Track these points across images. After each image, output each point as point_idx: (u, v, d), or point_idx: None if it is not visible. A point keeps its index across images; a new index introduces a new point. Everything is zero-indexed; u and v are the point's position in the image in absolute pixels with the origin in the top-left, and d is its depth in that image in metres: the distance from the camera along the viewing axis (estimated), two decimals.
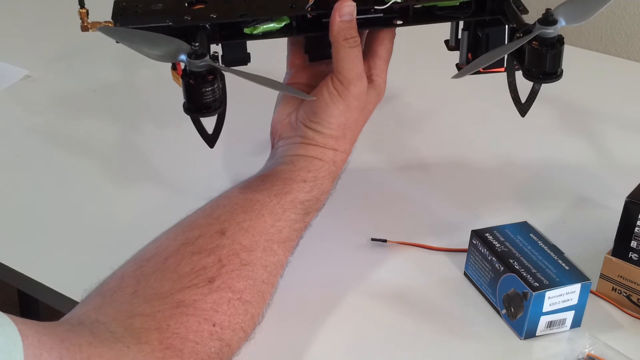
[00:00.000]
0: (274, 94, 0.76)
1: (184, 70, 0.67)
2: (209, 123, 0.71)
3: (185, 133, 0.99)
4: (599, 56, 1.21)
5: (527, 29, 0.69)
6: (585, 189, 0.91)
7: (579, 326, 0.73)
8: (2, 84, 1.09)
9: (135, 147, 0.98)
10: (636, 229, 0.72)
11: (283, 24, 0.74)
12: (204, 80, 0.66)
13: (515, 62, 0.72)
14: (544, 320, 0.71)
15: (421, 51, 1.07)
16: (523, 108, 0.74)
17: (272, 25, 0.74)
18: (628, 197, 0.72)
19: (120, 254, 0.66)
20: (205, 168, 0.92)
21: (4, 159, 0.96)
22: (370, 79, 0.75)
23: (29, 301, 1.47)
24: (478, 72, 0.75)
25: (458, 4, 0.75)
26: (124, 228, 0.84)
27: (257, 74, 0.66)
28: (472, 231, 0.77)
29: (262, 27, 0.74)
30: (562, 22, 0.68)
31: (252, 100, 0.98)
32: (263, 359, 0.70)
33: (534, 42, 0.69)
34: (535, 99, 0.73)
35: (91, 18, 0.75)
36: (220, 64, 0.74)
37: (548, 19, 0.68)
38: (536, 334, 0.72)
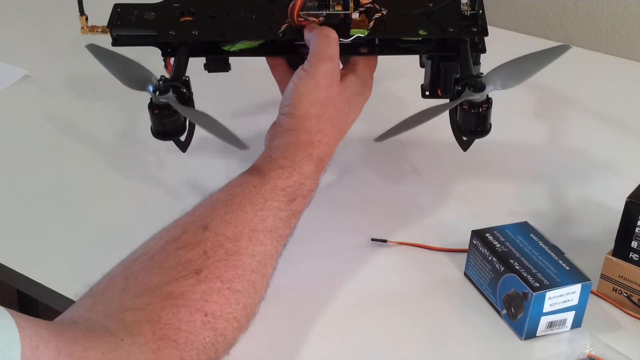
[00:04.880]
0: (279, 100, 0.77)
1: (150, 100, 0.73)
2: None
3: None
4: (599, 56, 1.21)
5: (460, 90, 0.72)
6: (585, 189, 0.91)
7: (580, 326, 0.73)
8: (2, 84, 1.09)
9: (135, 148, 0.98)
10: (637, 229, 0.72)
11: (259, 42, 0.80)
12: (166, 111, 0.72)
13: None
14: (544, 320, 0.71)
15: None
16: (465, 144, 0.76)
17: (249, 43, 0.79)
18: (628, 197, 0.72)
19: (120, 255, 0.66)
20: (206, 168, 0.92)
21: (3, 159, 0.96)
22: (353, 73, 0.78)
23: (28, 301, 1.47)
24: (438, 97, 0.83)
25: (420, 38, 0.79)
26: (123, 228, 0.83)
27: (207, 116, 0.71)
28: (473, 231, 0.77)
29: (239, 45, 0.79)
30: (490, 88, 0.71)
31: (254, 105, 0.98)
32: (264, 359, 0.70)
33: (464, 105, 0.72)
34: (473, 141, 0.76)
35: (96, 17, 0.82)
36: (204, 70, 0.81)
37: (477, 86, 0.71)
38: (537, 335, 0.72)
